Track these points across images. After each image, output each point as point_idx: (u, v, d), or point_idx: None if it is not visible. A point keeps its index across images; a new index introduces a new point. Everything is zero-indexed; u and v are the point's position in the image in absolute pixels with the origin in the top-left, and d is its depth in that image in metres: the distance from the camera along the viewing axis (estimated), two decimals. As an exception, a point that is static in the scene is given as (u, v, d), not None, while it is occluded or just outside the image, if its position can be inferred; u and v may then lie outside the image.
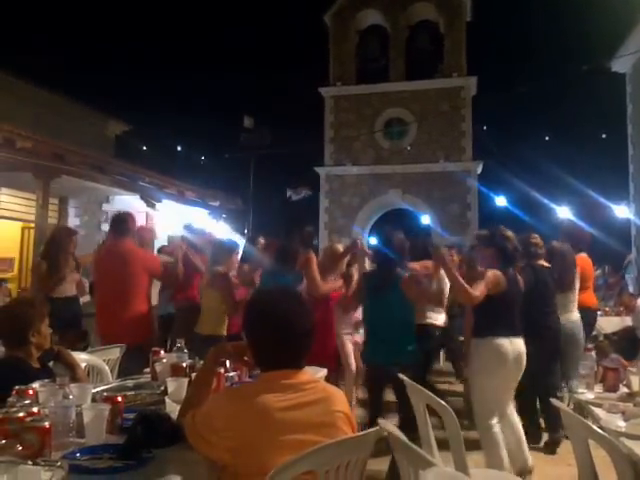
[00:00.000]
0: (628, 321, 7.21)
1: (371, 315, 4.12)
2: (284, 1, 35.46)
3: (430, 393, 2.79)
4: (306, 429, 1.83)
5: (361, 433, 1.89)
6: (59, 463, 1.69)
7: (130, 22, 35.30)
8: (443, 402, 2.62)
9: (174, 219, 10.92)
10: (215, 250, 4.87)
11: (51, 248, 5.27)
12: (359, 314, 4.85)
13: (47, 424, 1.83)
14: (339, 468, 1.76)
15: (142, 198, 10.92)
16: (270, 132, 16.52)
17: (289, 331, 1.90)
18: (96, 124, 15.45)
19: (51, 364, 2.97)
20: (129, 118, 17.19)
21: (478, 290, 3.58)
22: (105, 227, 11.17)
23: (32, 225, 9.82)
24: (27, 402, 2.07)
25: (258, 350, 1.97)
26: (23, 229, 11.00)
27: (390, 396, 4.11)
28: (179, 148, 20.28)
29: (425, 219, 17.76)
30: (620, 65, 14.96)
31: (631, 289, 11.52)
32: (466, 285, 3.59)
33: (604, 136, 20.58)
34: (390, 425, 2.02)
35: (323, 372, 3.27)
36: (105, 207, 11.66)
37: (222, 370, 2.62)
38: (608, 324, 6.91)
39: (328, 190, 18.50)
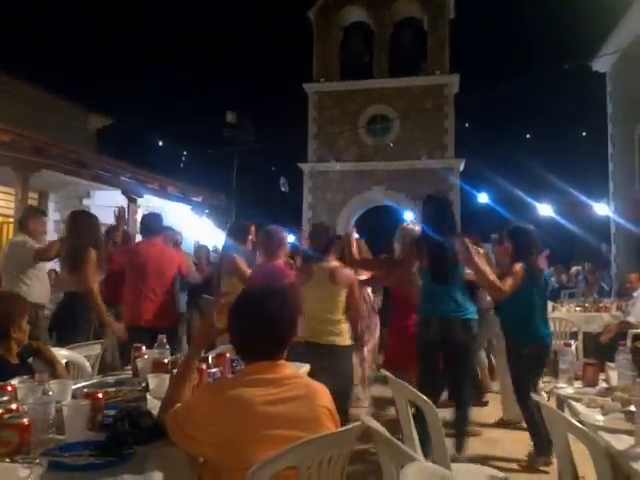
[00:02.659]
0: (607, 318, 7.30)
1: (537, 302, 4.35)
2: (268, -4, 35.27)
3: (412, 388, 2.80)
4: (289, 424, 1.83)
5: (343, 428, 1.89)
6: (38, 460, 1.67)
7: (113, 16, 34.91)
8: (424, 397, 2.63)
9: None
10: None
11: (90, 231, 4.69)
12: None
13: (26, 421, 1.81)
14: (321, 463, 1.76)
15: (123, 193, 10.82)
16: (253, 127, 16.48)
17: (267, 324, 1.93)
18: (77, 118, 15.27)
19: (30, 360, 2.94)
20: (111, 112, 17.02)
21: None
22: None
23: (11, 220, 9.69)
24: (5, 398, 2.05)
25: (239, 342, 2.00)
26: (1, 224, 10.86)
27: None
28: (161, 143, 20.14)
29: (408, 216, 17.83)
30: (601, 65, 15.15)
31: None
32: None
33: (584, 134, 20.82)
34: (373, 420, 2.02)
35: (306, 367, 3.26)
36: (86, 202, 11.53)
37: (204, 366, 2.61)
38: (587, 322, 6.99)
39: (311, 186, 18.49)
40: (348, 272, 4.07)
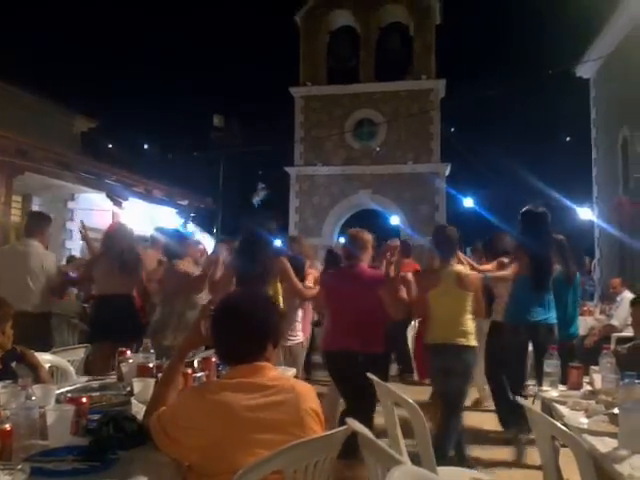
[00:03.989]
0: (590, 322, 7.38)
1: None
2: (255, 0, 35.34)
3: (397, 391, 2.80)
4: (274, 428, 1.82)
5: (329, 432, 1.89)
6: (20, 466, 1.65)
7: (99, 18, 34.76)
8: (410, 400, 2.64)
9: (141, 218, 10.78)
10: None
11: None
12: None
13: (8, 426, 1.79)
14: (307, 467, 1.76)
15: (108, 196, 10.75)
16: (240, 131, 16.45)
17: (242, 327, 1.97)
18: (62, 120, 15.14)
19: (14, 365, 2.90)
20: (96, 115, 16.90)
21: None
22: (70, 225, 10.98)
23: (-6, 223, 9.57)
24: (-13, 404, 2.02)
25: (219, 345, 2.04)
26: (-16, 227, 10.71)
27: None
28: (146, 146, 20.02)
29: (394, 220, 17.88)
30: (585, 70, 15.32)
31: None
32: None
33: (568, 139, 21.02)
34: (358, 424, 2.02)
35: (292, 371, 3.26)
36: (70, 205, 11.44)
37: (190, 370, 2.60)
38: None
39: (298, 190, 18.49)
40: (474, 275, 4.15)
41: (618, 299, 6.99)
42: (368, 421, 3.61)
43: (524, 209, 4.77)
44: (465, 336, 3.99)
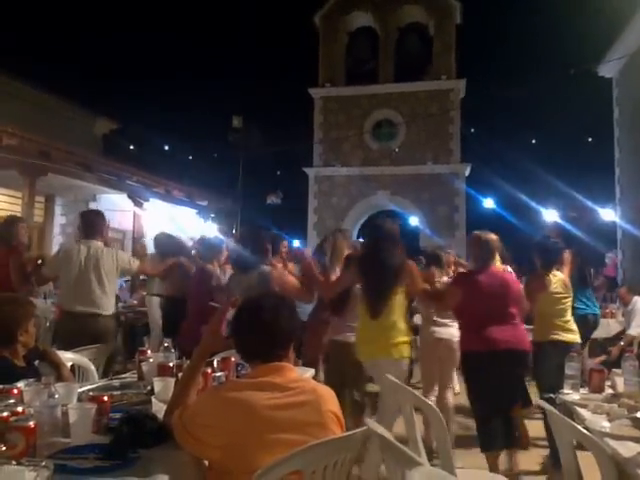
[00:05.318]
0: (613, 324, 7.29)
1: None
2: (274, 1, 35.47)
3: (416, 393, 2.79)
4: (295, 428, 1.83)
5: (348, 433, 1.89)
6: (44, 463, 1.67)
7: (119, 21, 35.14)
8: (429, 402, 2.63)
9: (162, 218, 10.88)
10: None
11: None
12: None
13: (32, 424, 1.81)
14: (326, 468, 1.76)
15: (129, 197, 10.88)
16: (259, 132, 16.53)
17: (265, 326, 1.99)
18: (84, 122, 15.35)
19: (37, 363, 2.94)
20: (117, 117, 17.10)
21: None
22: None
23: (18, 223, 9.71)
24: (12, 401, 2.05)
25: (241, 343, 2.05)
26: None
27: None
28: (167, 147, 20.19)
29: (413, 221, 17.81)
30: (607, 70, 15.12)
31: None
32: None
33: (590, 140, 20.76)
34: (377, 424, 2.02)
35: (311, 372, 3.26)
36: (92, 205, 11.58)
37: (209, 370, 2.61)
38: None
39: (317, 191, 18.51)
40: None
41: (629, 308, 6.89)
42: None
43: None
44: (569, 332, 4.39)
